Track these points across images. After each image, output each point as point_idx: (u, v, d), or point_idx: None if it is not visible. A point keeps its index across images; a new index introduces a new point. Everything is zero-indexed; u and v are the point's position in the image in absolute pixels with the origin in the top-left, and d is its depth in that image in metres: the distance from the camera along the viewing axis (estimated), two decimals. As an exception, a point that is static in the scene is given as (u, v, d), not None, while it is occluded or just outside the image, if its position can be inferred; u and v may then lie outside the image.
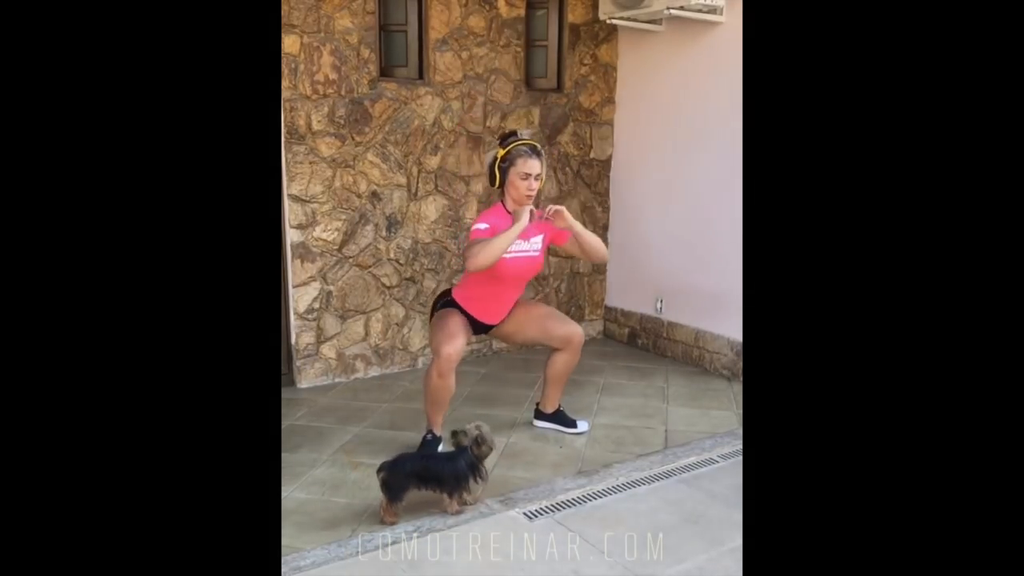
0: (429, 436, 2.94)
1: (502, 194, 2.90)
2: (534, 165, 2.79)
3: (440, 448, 2.87)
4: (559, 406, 3.21)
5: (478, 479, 2.41)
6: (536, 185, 2.82)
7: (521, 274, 2.92)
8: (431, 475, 2.38)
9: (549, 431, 3.19)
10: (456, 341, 2.79)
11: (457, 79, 3.86)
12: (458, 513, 2.41)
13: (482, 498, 2.50)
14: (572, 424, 3.18)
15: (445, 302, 3.01)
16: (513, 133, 2.90)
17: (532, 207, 2.77)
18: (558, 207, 2.78)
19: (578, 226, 2.83)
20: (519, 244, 2.81)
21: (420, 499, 2.53)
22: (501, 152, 2.83)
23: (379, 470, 2.36)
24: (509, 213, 2.84)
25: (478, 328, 3.01)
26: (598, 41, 4.32)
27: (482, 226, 2.76)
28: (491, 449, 2.44)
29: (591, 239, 2.87)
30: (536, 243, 2.90)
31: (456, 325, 2.86)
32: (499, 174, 2.84)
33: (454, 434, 2.47)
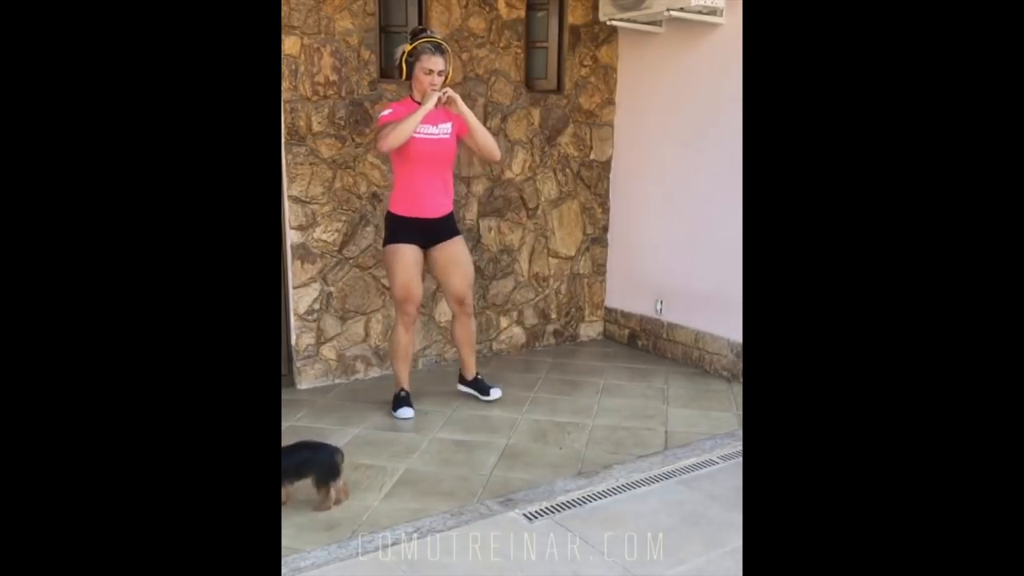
0: (403, 393, 3.35)
1: (410, 86, 3.13)
2: (437, 61, 3.03)
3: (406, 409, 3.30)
4: (478, 374, 3.54)
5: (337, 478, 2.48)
6: (439, 80, 3.04)
7: (433, 155, 3.13)
8: (304, 460, 2.45)
9: (470, 395, 3.55)
10: (413, 294, 3.14)
11: (457, 80, 3.86)
12: (327, 509, 2.44)
13: (482, 497, 2.50)
14: (487, 391, 3.50)
15: (387, 227, 3.23)
16: (423, 30, 3.13)
17: (440, 93, 2.99)
18: (451, 93, 3.01)
19: (468, 113, 3.08)
20: (428, 128, 3.05)
21: (420, 500, 2.53)
22: (408, 47, 3.06)
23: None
24: (416, 103, 3.07)
25: (420, 233, 3.18)
26: (598, 42, 4.33)
27: (387, 112, 3.05)
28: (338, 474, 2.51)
29: (481, 132, 3.14)
30: (445, 128, 3.14)
31: (407, 270, 3.14)
32: (406, 67, 3.08)
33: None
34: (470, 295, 3.34)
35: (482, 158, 3.38)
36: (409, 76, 3.10)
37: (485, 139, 3.17)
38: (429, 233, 3.21)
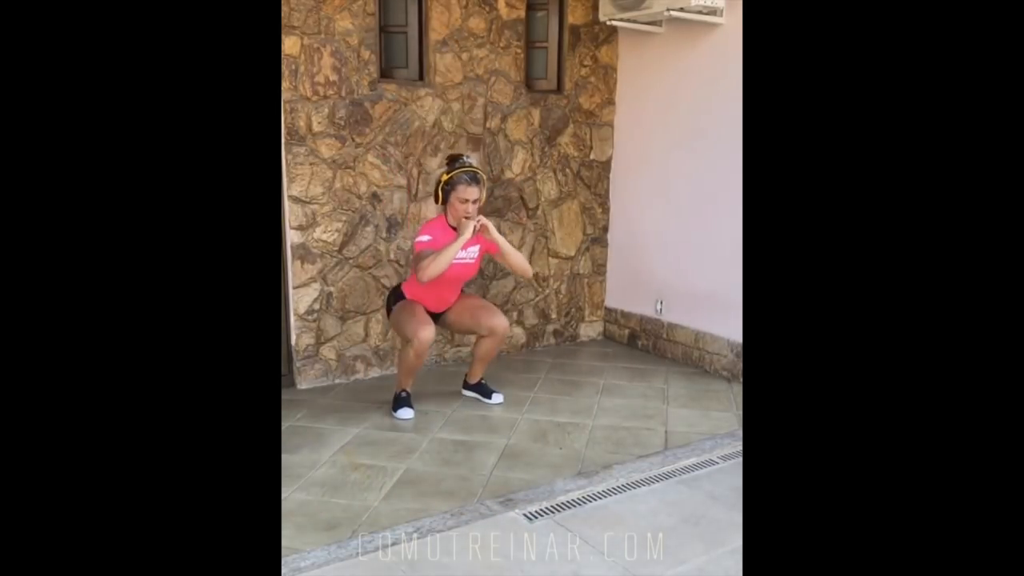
0: (403, 394, 3.39)
1: (444, 210, 3.25)
2: (472, 192, 3.15)
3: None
4: (481, 379, 3.60)
5: None
6: (473, 209, 3.16)
7: (459, 278, 3.32)
8: None
9: (472, 398, 3.59)
10: (429, 326, 3.20)
11: (457, 80, 3.86)
12: None
13: (482, 497, 2.50)
14: (489, 395, 3.55)
15: (395, 297, 3.38)
16: (459, 157, 3.24)
17: (475, 223, 3.12)
18: (484, 221, 3.13)
19: (501, 240, 3.22)
20: (459, 253, 3.16)
21: (420, 500, 2.53)
22: (445, 177, 3.18)
23: None
24: (450, 227, 3.22)
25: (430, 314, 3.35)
26: (598, 42, 4.33)
27: (425, 238, 3.15)
28: None
29: (512, 254, 3.27)
30: (472, 252, 3.27)
31: (422, 312, 3.25)
32: (442, 195, 3.20)
33: None
34: (500, 323, 3.35)
35: (515, 275, 3.58)
36: (444, 202, 3.21)
37: (518, 261, 3.29)
38: (435, 315, 3.37)
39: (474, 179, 3.16)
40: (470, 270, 3.33)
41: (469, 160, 3.23)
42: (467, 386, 3.64)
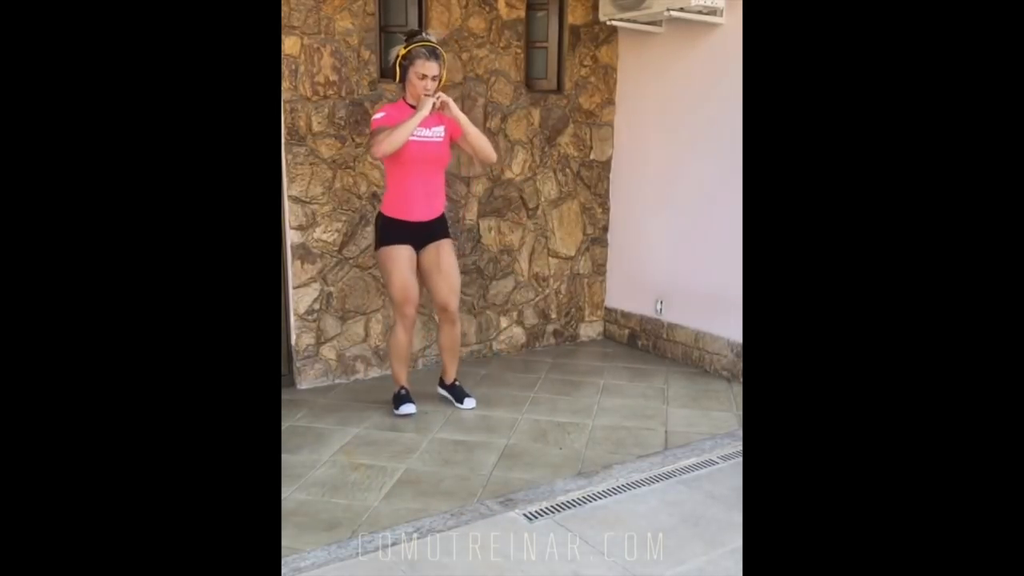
0: (402, 391, 3.38)
1: (403, 88, 3.12)
2: (431, 67, 3.01)
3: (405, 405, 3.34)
4: (456, 380, 3.50)
5: None
6: (432, 85, 3.02)
7: (426, 158, 3.11)
8: None
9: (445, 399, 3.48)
10: (411, 295, 3.15)
11: (457, 80, 3.86)
12: None
13: (482, 497, 2.50)
14: (461, 399, 3.45)
15: (379, 228, 3.22)
16: (418, 32, 3.13)
17: (435, 99, 2.97)
18: (444, 98, 2.99)
19: (463, 118, 3.06)
20: (421, 131, 3.03)
21: (420, 500, 2.54)
22: (403, 50, 3.03)
23: None
24: (410, 106, 3.07)
25: (412, 235, 3.18)
26: (598, 42, 4.33)
27: (380, 115, 3.02)
28: None
29: (475, 134, 3.11)
30: (438, 132, 3.12)
31: (403, 272, 3.14)
32: (400, 71, 3.06)
33: None
34: (453, 301, 3.29)
35: (478, 161, 3.36)
36: (403, 79, 3.08)
37: (480, 141, 3.15)
38: (420, 235, 3.21)
39: (433, 53, 3.01)
40: (439, 149, 3.14)
41: (429, 36, 3.08)
42: (441, 384, 3.56)
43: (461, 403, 3.45)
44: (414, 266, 3.21)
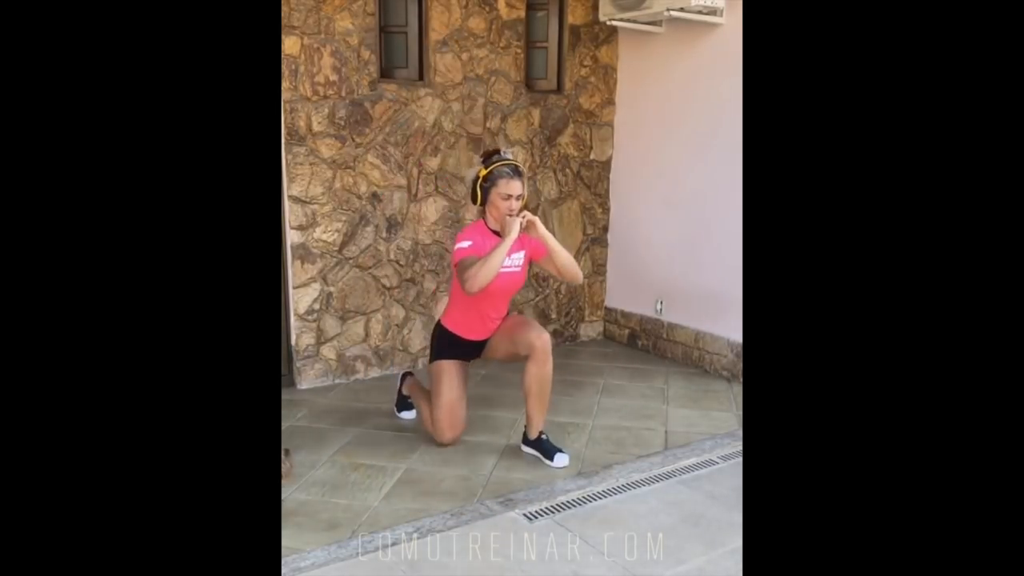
0: (407, 397, 3.30)
1: (483, 212, 2.89)
2: (515, 186, 2.77)
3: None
4: (541, 433, 2.95)
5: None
6: (517, 205, 2.79)
7: (506, 289, 2.91)
8: None
9: (532, 456, 2.96)
10: (456, 420, 2.95)
11: (457, 80, 3.86)
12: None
13: (482, 497, 2.50)
14: (551, 456, 2.87)
15: (436, 339, 3.03)
16: (497, 152, 2.87)
17: (522, 219, 2.75)
18: (531, 217, 2.76)
19: (550, 238, 2.82)
20: (504, 260, 2.76)
21: (420, 500, 2.53)
22: (483, 172, 2.80)
23: None
24: (491, 231, 2.85)
25: (469, 352, 3.03)
26: (598, 42, 4.33)
27: (465, 244, 2.77)
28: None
29: (563, 255, 2.86)
30: (518, 259, 2.89)
31: (452, 391, 2.93)
32: (481, 193, 2.82)
33: None
34: (543, 337, 2.83)
35: (563, 280, 3.06)
36: (484, 202, 2.83)
37: (567, 262, 2.87)
38: (477, 349, 3.04)
39: (516, 172, 2.78)
40: (517, 280, 2.92)
41: (508, 153, 2.86)
42: (526, 441, 2.98)
43: (551, 460, 2.86)
44: (465, 382, 3.02)
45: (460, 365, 2.99)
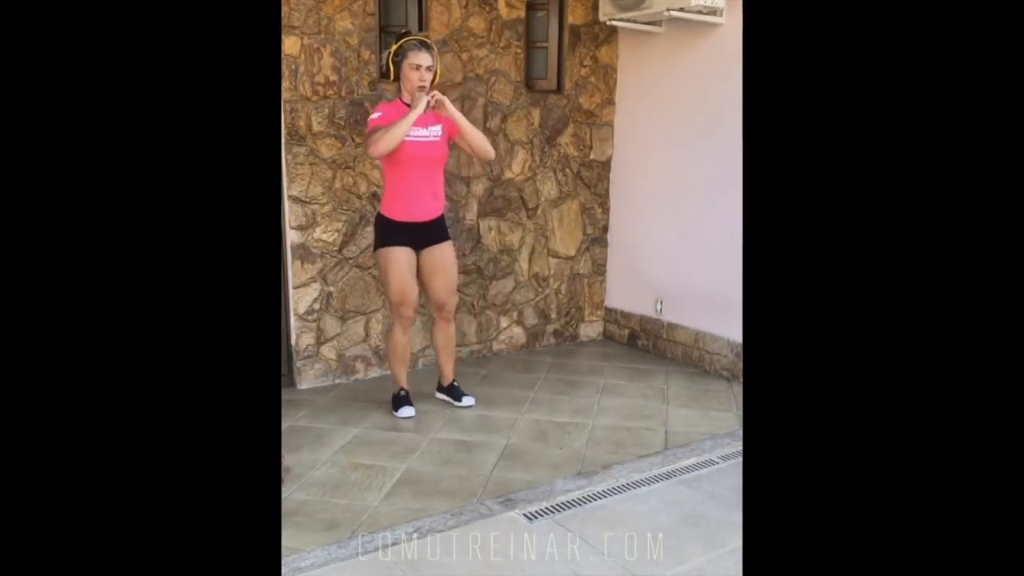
0: (402, 392, 3.39)
1: (399, 88, 3.13)
2: (424, 57, 3.02)
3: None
4: (453, 381, 3.50)
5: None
6: (427, 77, 3.04)
7: (424, 158, 3.11)
8: None
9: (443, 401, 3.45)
10: (409, 297, 3.18)
11: (457, 80, 3.86)
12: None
13: (482, 497, 2.50)
14: (459, 398, 3.46)
15: (378, 229, 3.22)
16: (407, 32, 3.17)
17: (430, 96, 2.98)
18: (439, 96, 3.01)
19: (459, 116, 3.07)
20: (418, 130, 3.04)
21: (420, 500, 2.54)
22: (394, 47, 3.07)
23: None
24: (405, 104, 3.07)
25: (409, 238, 3.17)
26: (598, 42, 4.33)
27: (376, 115, 3.03)
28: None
29: (473, 133, 3.12)
30: (435, 131, 3.13)
31: (401, 274, 3.15)
32: (393, 67, 3.08)
33: None
34: (451, 302, 3.35)
35: (477, 158, 3.37)
36: (397, 76, 3.09)
37: (477, 139, 3.15)
38: (420, 236, 3.20)
39: (424, 44, 3.05)
40: (437, 149, 3.14)
41: (419, 33, 3.15)
42: (440, 388, 3.56)
43: (459, 401, 3.45)
44: (413, 268, 3.21)
45: (404, 251, 3.17)
